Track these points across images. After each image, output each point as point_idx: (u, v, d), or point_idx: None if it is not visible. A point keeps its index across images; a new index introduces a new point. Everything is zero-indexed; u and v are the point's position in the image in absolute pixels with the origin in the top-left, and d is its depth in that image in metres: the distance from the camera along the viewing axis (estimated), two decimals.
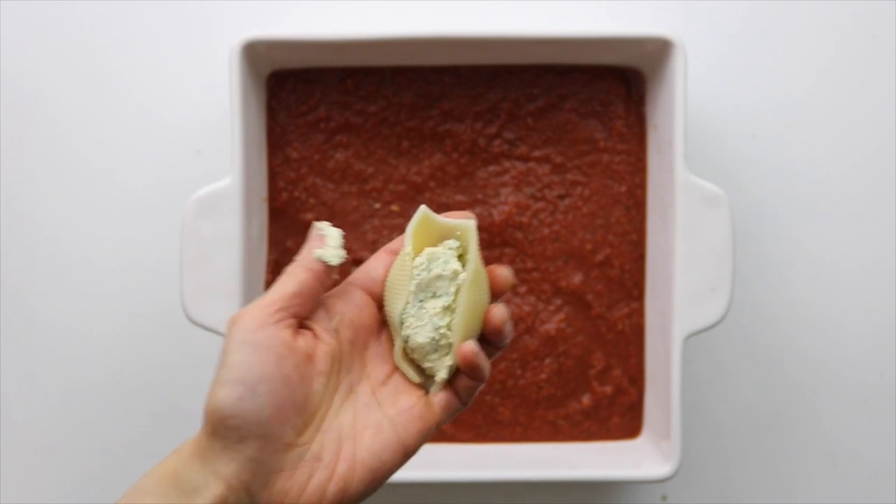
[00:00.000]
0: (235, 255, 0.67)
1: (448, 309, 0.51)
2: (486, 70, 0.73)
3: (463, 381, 0.51)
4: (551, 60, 0.72)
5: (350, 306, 0.51)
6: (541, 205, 0.74)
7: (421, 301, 0.52)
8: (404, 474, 0.68)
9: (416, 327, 0.52)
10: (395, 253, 0.52)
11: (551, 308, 0.74)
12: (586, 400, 0.74)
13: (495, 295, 0.51)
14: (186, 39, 0.79)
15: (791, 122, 0.79)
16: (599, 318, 0.74)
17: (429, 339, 0.51)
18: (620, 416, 0.74)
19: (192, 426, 0.79)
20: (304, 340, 0.48)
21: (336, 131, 0.73)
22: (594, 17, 0.79)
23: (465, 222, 0.51)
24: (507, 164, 0.74)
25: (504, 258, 0.73)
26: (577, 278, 0.73)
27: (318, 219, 0.73)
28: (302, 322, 0.49)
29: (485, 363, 0.50)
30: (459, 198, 0.73)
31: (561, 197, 0.74)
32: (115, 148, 0.79)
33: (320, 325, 0.50)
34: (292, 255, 0.73)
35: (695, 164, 0.77)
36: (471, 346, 0.49)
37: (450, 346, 0.51)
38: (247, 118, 0.68)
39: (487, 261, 0.73)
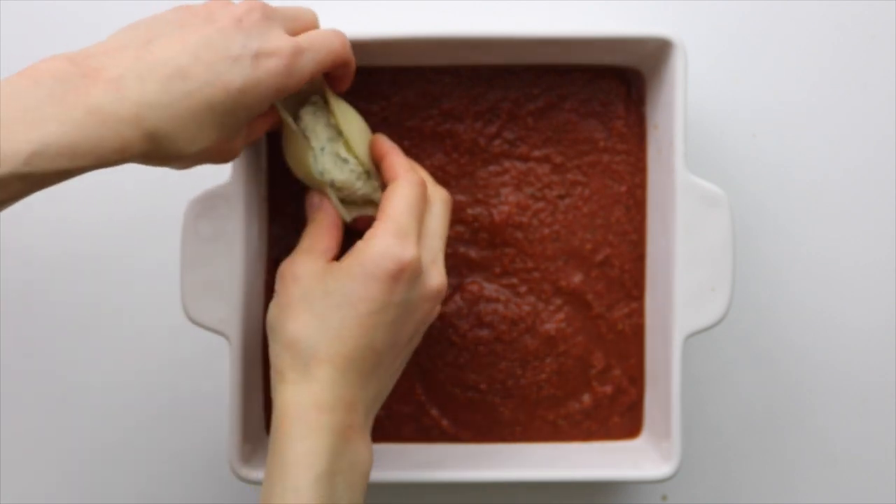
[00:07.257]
0: (235, 255, 0.67)
1: (348, 143, 0.62)
2: (486, 70, 0.73)
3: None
4: (551, 60, 0.72)
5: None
6: (541, 205, 0.74)
7: (323, 149, 0.61)
8: (405, 474, 0.69)
9: (334, 169, 0.61)
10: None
11: (551, 308, 0.74)
12: (586, 400, 0.74)
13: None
14: None
15: (791, 122, 0.79)
16: (599, 318, 0.74)
17: (349, 173, 0.62)
18: (620, 416, 0.74)
19: (193, 426, 0.79)
20: None
21: None
22: (594, 17, 0.79)
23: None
24: (507, 163, 0.74)
25: (504, 258, 0.73)
26: (577, 278, 0.73)
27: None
28: None
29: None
30: (459, 197, 0.73)
31: (561, 197, 0.74)
32: None
33: None
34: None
35: (695, 164, 0.77)
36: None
37: (367, 173, 0.63)
38: None
39: (488, 260, 0.74)
